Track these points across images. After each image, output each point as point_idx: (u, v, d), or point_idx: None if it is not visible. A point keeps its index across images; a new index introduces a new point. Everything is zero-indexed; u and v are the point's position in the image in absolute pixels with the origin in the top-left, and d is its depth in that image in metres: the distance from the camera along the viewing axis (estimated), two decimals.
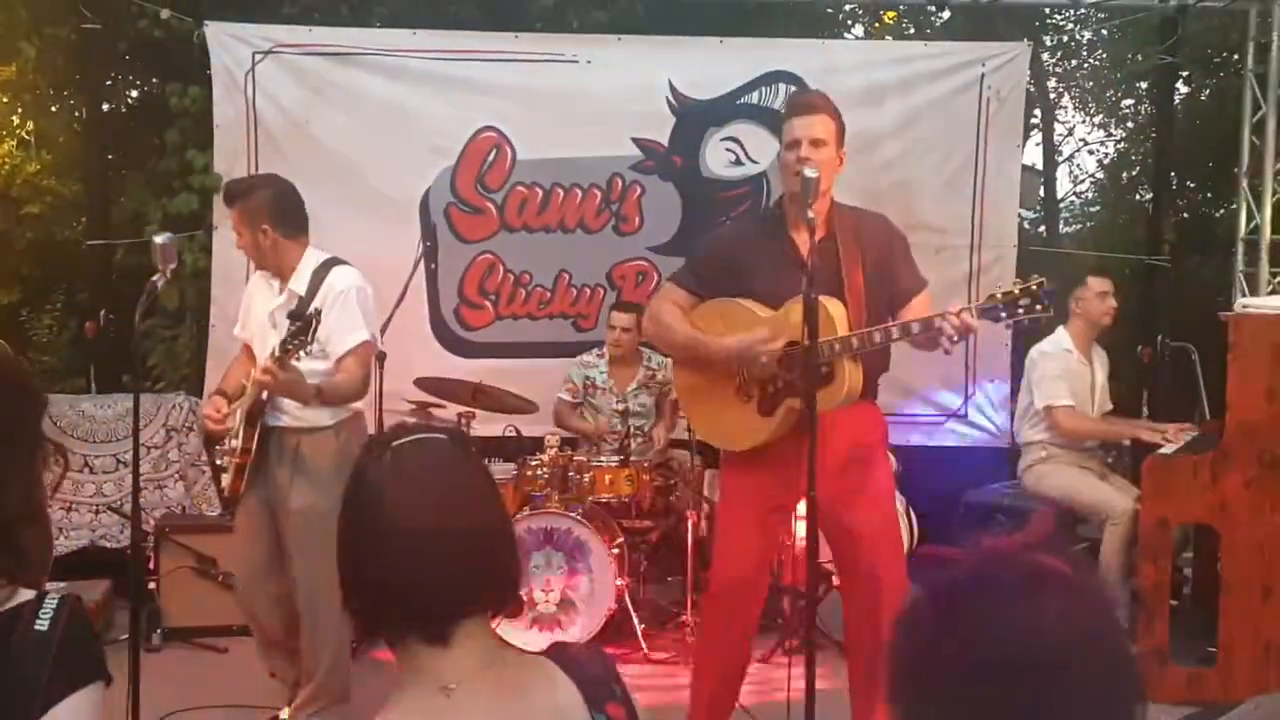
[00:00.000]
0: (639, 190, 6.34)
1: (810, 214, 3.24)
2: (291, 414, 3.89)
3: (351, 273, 3.96)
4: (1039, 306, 3.18)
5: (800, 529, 4.01)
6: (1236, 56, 6.63)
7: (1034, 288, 3.18)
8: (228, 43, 6.13)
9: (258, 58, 6.12)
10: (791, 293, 3.34)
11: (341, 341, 3.85)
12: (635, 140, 6.29)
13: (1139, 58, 10.28)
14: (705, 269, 3.66)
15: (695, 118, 6.31)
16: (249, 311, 4.12)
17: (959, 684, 1.08)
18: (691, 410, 3.81)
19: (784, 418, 3.46)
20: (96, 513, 5.73)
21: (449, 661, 1.47)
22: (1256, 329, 4.28)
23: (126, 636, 3.51)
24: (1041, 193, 13.01)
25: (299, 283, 3.90)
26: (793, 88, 6.22)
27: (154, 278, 3.68)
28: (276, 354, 3.53)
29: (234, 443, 3.88)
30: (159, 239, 3.61)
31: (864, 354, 3.41)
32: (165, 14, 6.23)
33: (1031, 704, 1.05)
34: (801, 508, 3.36)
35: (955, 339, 3.24)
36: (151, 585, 5.14)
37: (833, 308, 3.35)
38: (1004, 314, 3.21)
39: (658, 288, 5.58)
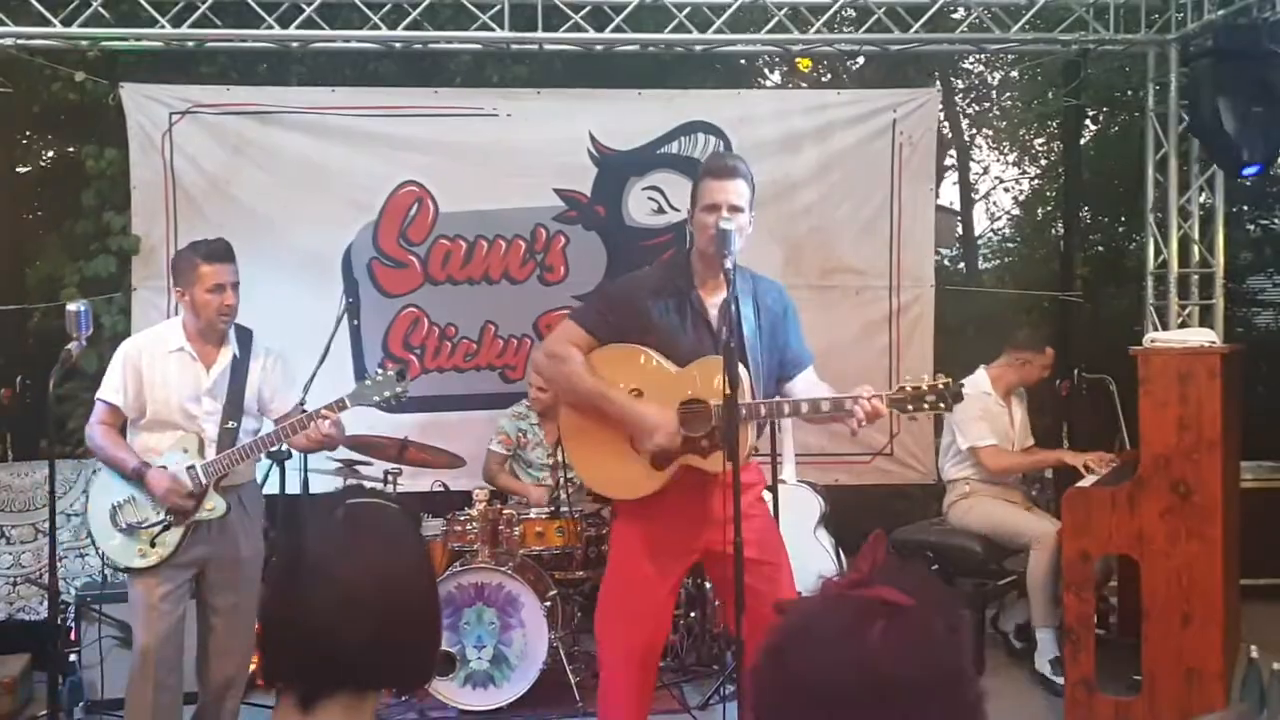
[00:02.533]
0: (563, 240, 6.39)
1: (728, 265, 3.32)
2: (237, 470, 4.03)
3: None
4: (942, 404, 3.36)
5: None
6: (1143, 93, 6.82)
7: (941, 387, 3.35)
8: (144, 104, 6.09)
9: (175, 118, 6.09)
10: (694, 349, 3.46)
11: (285, 400, 4.14)
12: (557, 191, 6.34)
13: (1049, 96, 10.56)
14: (610, 314, 3.62)
15: (616, 168, 6.38)
16: (158, 383, 4.02)
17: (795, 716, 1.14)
18: (577, 452, 3.73)
19: (674, 473, 3.48)
20: (14, 584, 5.58)
21: None
22: (1164, 363, 4.39)
23: (46, 712, 3.44)
24: (960, 231, 13.29)
25: (232, 345, 4.07)
26: (711, 137, 6.34)
27: (69, 345, 3.68)
28: (345, 404, 3.89)
29: (211, 504, 3.95)
30: (72, 307, 3.60)
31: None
32: (80, 76, 6.16)
33: None
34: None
35: (864, 423, 3.35)
36: (73, 657, 5.01)
37: (740, 371, 3.40)
38: (910, 406, 3.37)
39: None
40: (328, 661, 1.46)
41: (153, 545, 3.93)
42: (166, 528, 3.93)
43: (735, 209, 3.45)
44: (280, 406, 4.14)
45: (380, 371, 3.99)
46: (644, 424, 3.44)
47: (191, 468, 3.93)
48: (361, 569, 1.48)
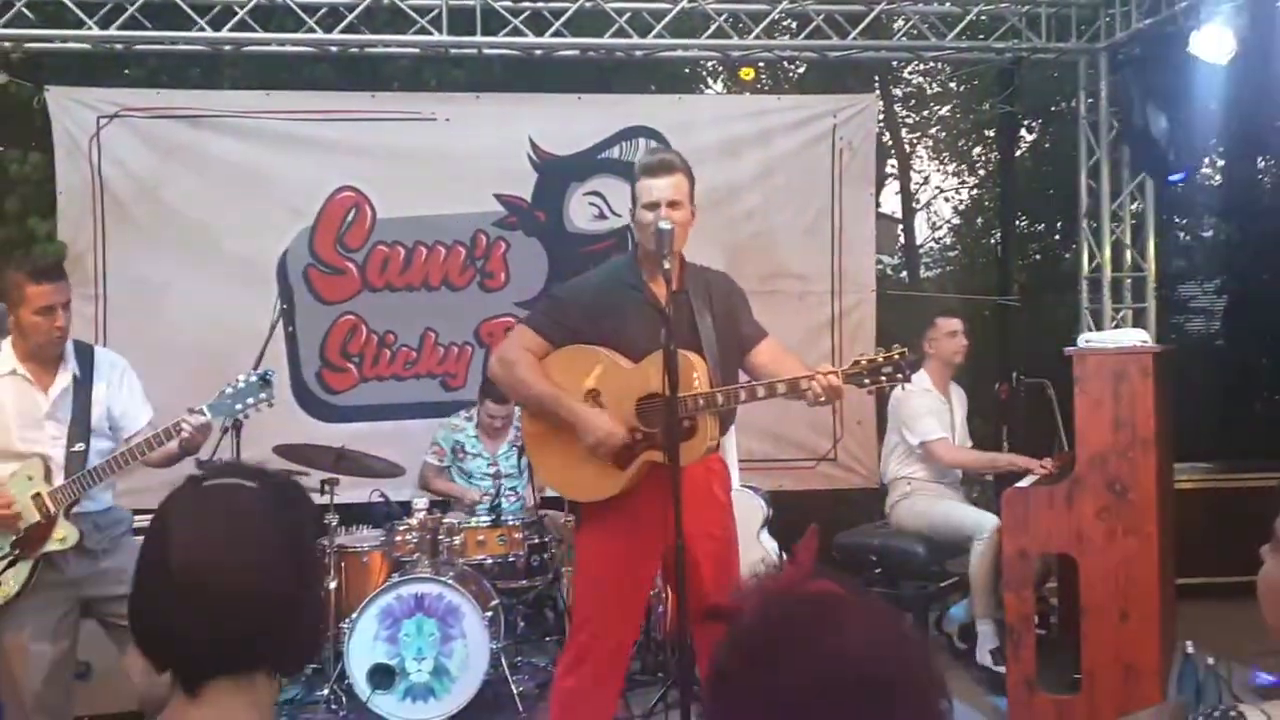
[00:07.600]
0: (504, 246, 6.33)
1: (666, 265, 3.30)
2: (92, 497, 3.74)
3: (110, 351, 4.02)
4: (900, 375, 3.30)
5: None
6: (1075, 102, 6.92)
7: (896, 357, 3.28)
8: (70, 107, 5.95)
9: (103, 122, 5.95)
10: (649, 343, 3.37)
11: (136, 419, 3.84)
12: (497, 196, 6.29)
13: (986, 105, 10.69)
14: (563, 316, 3.59)
15: (557, 173, 6.35)
16: None
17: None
18: (540, 459, 3.72)
19: (638, 470, 3.44)
20: None
21: (193, 711, 1.43)
22: (1098, 363, 4.42)
23: None
24: (902, 239, 13.42)
25: (71, 364, 3.75)
26: (652, 142, 6.31)
27: None
28: (204, 413, 3.61)
29: (62, 533, 3.63)
30: None
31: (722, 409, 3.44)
32: (2, 79, 6.01)
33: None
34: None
35: (823, 400, 3.31)
36: None
37: (695, 361, 3.38)
38: (867, 380, 3.30)
39: None
40: (184, 647, 1.43)
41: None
42: (12, 563, 3.59)
43: (675, 204, 3.44)
44: (131, 426, 3.82)
45: (242, 378, 3.73)
46: (587, 429, 3.42)
47: (38, 495, 3.62)
48: (196, 554, 1.43)
